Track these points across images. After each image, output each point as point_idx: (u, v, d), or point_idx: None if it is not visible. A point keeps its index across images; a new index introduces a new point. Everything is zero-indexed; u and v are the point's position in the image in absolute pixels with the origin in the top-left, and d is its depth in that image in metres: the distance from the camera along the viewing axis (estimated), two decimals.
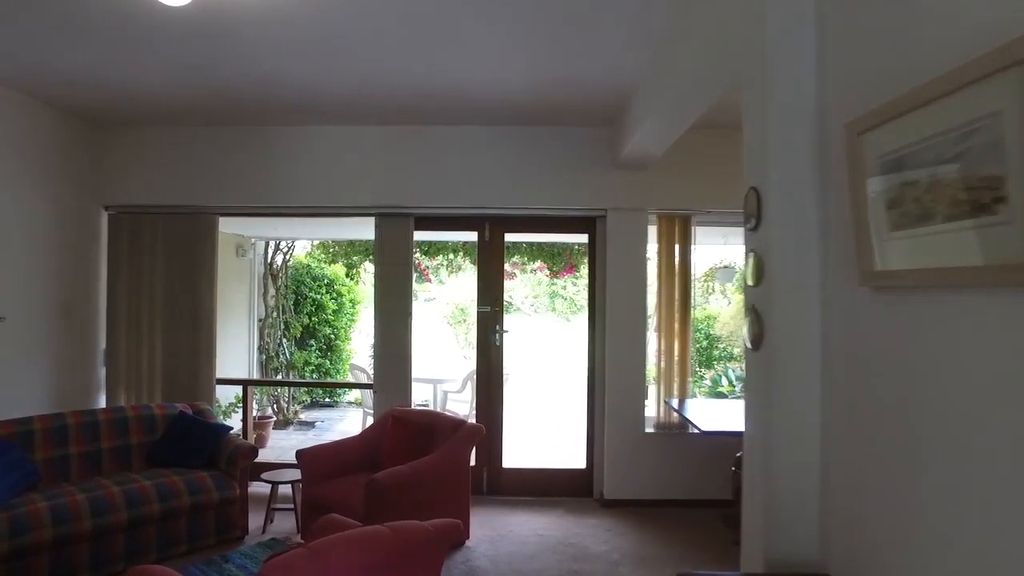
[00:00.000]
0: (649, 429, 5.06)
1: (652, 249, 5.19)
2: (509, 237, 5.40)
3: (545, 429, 8.33)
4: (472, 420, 6.66)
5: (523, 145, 5.04)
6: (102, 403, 5.17)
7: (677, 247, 5.13)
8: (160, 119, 4.99)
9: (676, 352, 5.11)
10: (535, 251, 8.26)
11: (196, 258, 5.14)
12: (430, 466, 3.94)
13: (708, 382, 8.62)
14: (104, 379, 5.19)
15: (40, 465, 3.87)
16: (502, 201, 5.07)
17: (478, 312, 5.28)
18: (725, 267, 7.26)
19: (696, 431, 4.18)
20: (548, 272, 8.66)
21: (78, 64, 3.88)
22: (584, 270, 8.54)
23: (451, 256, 8.39)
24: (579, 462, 5.42)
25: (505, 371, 6.22)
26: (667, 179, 4.98)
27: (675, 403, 4.85)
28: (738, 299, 7.91)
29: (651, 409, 5.14)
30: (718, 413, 4.67)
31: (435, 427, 4.25)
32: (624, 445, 5.01)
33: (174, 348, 5.12)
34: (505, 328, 5.27)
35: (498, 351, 5.26)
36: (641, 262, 5.04)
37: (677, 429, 5.03)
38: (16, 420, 3.94)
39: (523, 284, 16.31)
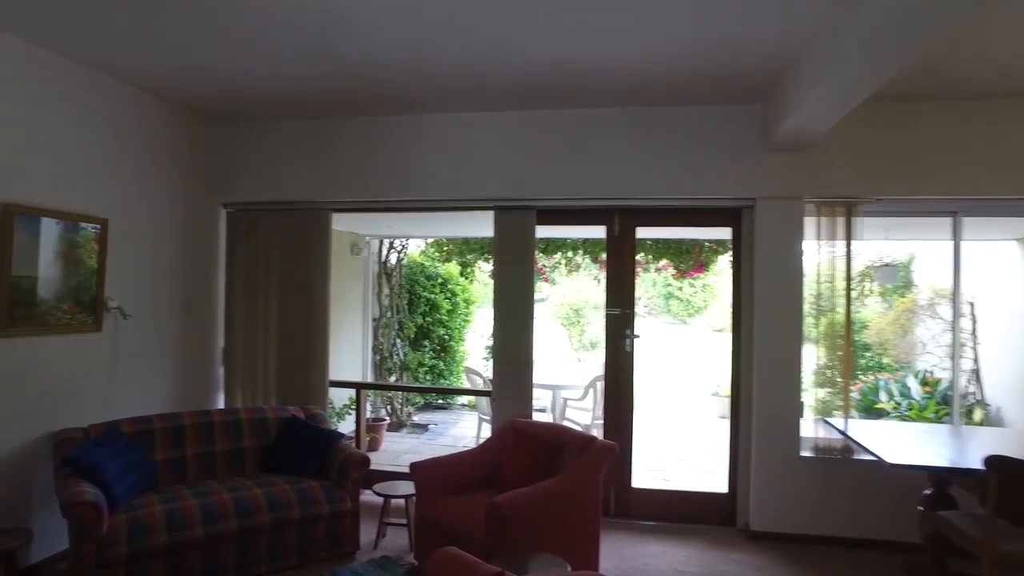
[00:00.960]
0: (805, 452, 4.35)
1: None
2: (640, 232, 4.85)
3: (672, 443, 7.69)
4: (595, 432, 6.19)
5: (658, 128, 4.49)
6: (220, 402, 5.13)
7: (837, 241, 4.39)
8: (275, 113, 4.87)
9: (835, 364, 4.38)
10: (661, 248, 7.64)
11: (310, 256, 4.97)
12: (558, 489, 3.49)
13: (856, 395, 7.64)
14: (222, 378, 5.14)
15: (159, 465, 3.79)
16: (633, 191, 4.54)
17: (606, 315, 4.77)
18: (885, 265, 6.32)
19: (872, 458, 3.48)
20: (675, 271, 7.99)
21: (196, 58, 3.78)
22: (715, 269, 7.83)
23: (570, 254, 7.91)
24: (718, 485, 4.80)
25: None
26: (828, 162, 4.27)
27: (838, 423, 4.13)
28: (899, 302, 6.92)
29: (806, 428, 4.42)
30: (894, 438, 3.91)
31: (562, 443, 3.79)
32: (775, 469, 4.34)
33: (288, 348, 4.98)
34: (636, 333, 4.72)
35: (628, 358, 4.73)
36: (796, 258, 4.34)
37: (839, 453, 4.29)
38: (139, 419, 3.90)
39: (637, 284, 15.60)
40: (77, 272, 3.89)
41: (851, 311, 4.41)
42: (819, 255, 4.40)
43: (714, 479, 5.71)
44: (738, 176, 4.38)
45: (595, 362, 13.49)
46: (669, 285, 22.21)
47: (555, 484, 3.51)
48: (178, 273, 4.74)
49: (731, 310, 4.68)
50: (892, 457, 3.22)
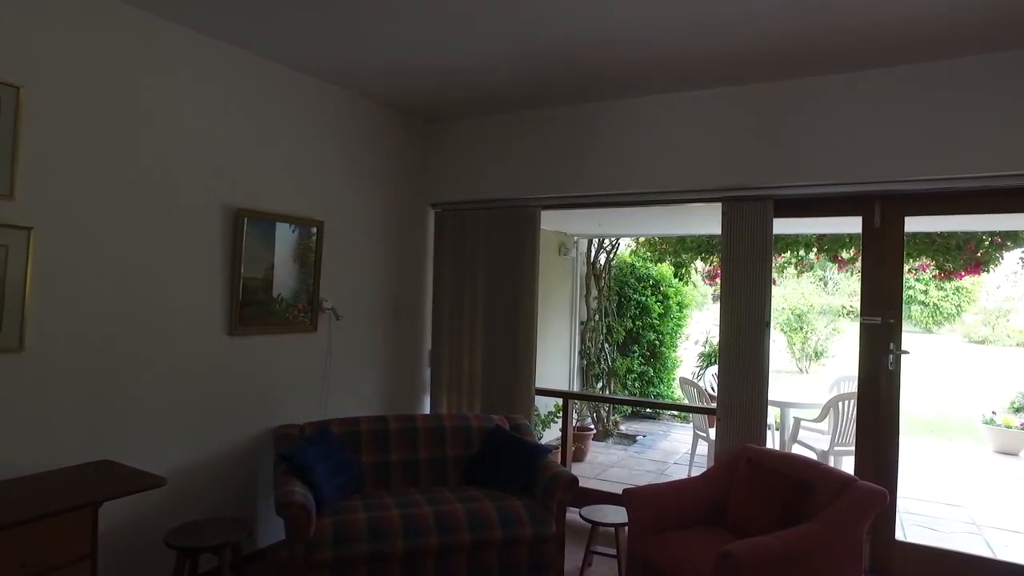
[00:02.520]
0: None
1: None
2: (910, 224, 3.89)
3: (935, 482, 6.35)
4: (835, 461, 5.23)
5: (936, 87, 3.51)
6: (426, 405, 5.07)
7: None
8: (481, 109, 4.68)
9: None
10: (920, 244, 6.32)
11: (518, 255, 4.71)
12: (808, 540, 2.80)
13: None
14: (428, 381, 5.08)
15: (365, 469, 3.73)
16: (901, 171, 3.60)
17: (861, 324, 3.89)
18: None
19: None
20: (937, 272, 6.59)
21: (403, 57, 3.68)
22: (997, 269, 6.34)
23: (801, 252, 6.88)
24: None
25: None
26: None
27: None
28: None
29: None
30: None
31: (811, 483, 3.07)
32: None
33: (494, 352, 4.77)
34: (905, 348, 3.79)
35: (891, 378, 3.81)
36: None
37: None
38: (347, 420, 3.90)
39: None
40: (307, 274, 4.03)
41: None
42: None
43: (1008, 539, 4.51)
44: None
45: (826, 375, 11.95)
46: (910, 288, 19.18)
47: (805, 534, 2.82)
48: (387, 275, 4.74)
49: None
50: None
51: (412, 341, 5.00)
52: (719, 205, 4.09)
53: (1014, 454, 7.31)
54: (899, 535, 3.90)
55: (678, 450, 7.08)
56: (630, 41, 3.39)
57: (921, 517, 5.00)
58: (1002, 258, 6.08)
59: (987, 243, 6.05)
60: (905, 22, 3.06)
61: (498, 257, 4.79)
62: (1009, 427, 7.40)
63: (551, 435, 6.38)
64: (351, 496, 3.51)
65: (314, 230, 4.09)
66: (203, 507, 3.47)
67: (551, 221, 6.18)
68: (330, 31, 3.35)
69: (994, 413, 7.76)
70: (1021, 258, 5.96)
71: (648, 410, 8.64)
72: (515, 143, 4.74)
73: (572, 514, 3.89)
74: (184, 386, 3.40)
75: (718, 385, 4.07)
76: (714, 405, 4.38)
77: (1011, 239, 5.80)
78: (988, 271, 6.40)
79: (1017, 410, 7.91)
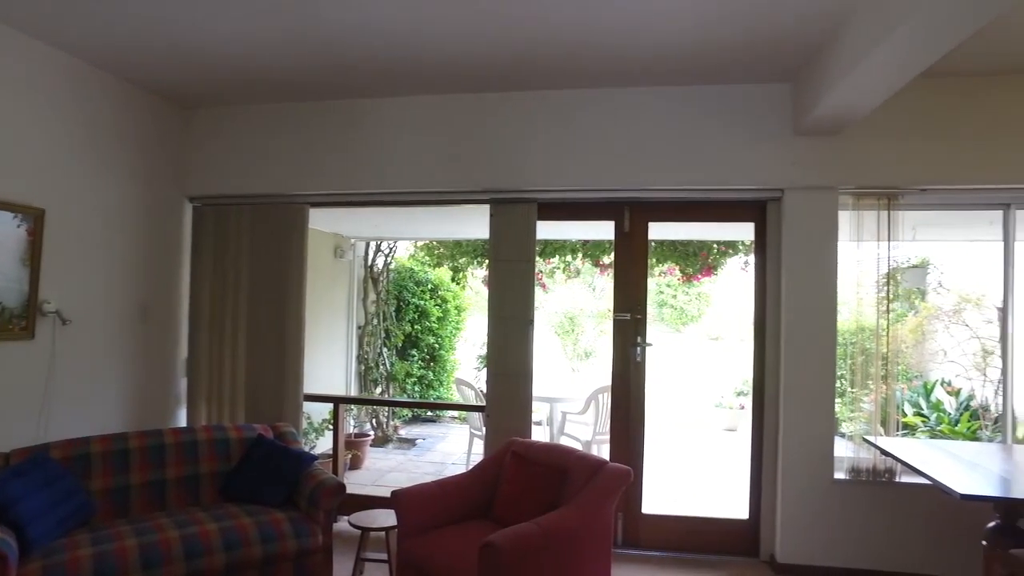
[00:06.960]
0: (839, 474, 3.86)
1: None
2: (653, 229, 4.35)
3: (679, 460, 7.19)
4: (595, 448, 5.68)
5: (674, 110, 4.01)
6: (183, 419, 4.57)
7: (866, 240, 3.93)
8: (247, 97, 4.37)
9: (871, 376, 3.93)
10: (666, 251, 7.15)
11: (285, 255, 4.45)
12: (564, 524, 2.97)
13: (869, 407, 7.17)
14: (185, 392, 4.59)
15: (96, 496, 3.23)
16: (646, 181, 4.05)
17: (614, 320, 4.27)
18: (914, 266, 5.86)
19: (919, 482, 2.98)
20: (680, 276, 7.51)
21: (155, 28, 3.32)
22: (723, 273, 7.37)
23: (568, 258, 7.41)
24: (737, 510, 4.30)
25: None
26: (865, 148, 3.81)
27: (884, 443, 3.63)
28: (925, 308, 6.45)
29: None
30: (948, 463, 3.41)
31: (567, 469, 3.28)
32: (805, 494, 3.84)
33: (259, 358, 4.45)
34: (649, 341, 4.23)
35: (639, 368, 4.23)
36: (829, 257, 3.87)
37: (883, 476, 3.80)
38: (73, 441, 3.33)
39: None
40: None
41: (889, 317, 3.95)
42: (858, 253, 3.95)
43: (730, 501, 5.23)
44: (764, 164, 3.91)
45: (591, 373, 12.98)
46: (662, 293, 21.79)
47: (561, 518, 3.00)
48: (135, 274, 4.20)
49: (753, 315, 4.18)
50: (962, 488, 2.72)
51: (165, 348, 4.47)
52: (488, 206, 4.24)
53: (735, 430, 8.63)
54: (648, 509, 4.32)
55: (457, 451, 7.19)
56: (394, 40, 3.38)
57: (664, 490, 5.62)
58: (726, 263, 7.11)
59: (716, 251, 7.02)
60: (651, 51, 3.46)
61: (263, 257, 4.48)
62: (731, 408, 8.74)
63: (327, 443, 6.11)
64: (75, 531, 3.01)
65: (28, 219, 3.46)
66: None
67: (326, 221, 5.96)
68: None
69: (723, 398, 9.07)
70: (743, 263, 7.02)
71: (428, 413, 8.69)
72: (281, 136, 4.48)
73: (343, 523, 3.74)
74: None
75: (487, 382, 4.20)
76: None
77: (731, 247, 6.82)
78: (717, 274, 7.43)
79: (738, 394, 9.32)
